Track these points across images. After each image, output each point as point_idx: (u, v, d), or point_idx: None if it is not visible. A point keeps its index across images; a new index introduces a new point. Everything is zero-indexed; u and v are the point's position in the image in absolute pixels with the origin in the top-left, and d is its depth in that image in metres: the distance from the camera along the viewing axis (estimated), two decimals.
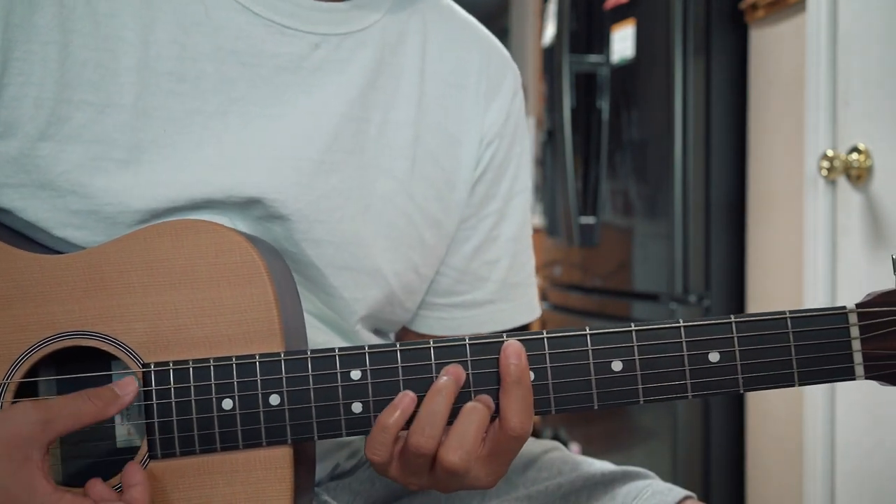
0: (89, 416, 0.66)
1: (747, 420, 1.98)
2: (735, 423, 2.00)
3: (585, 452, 2.29)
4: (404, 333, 0.94)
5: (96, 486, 0.66)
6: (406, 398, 0.68)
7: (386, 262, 0.83)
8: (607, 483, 0.88)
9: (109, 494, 0.65)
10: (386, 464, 0.69)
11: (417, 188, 0.85)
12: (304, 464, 0.71)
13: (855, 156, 1.51)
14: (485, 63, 0.90)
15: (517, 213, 0.93)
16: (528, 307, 0.96)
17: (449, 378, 0.68)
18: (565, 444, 2.42)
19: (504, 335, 0.70)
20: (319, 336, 0.82)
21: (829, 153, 1.53)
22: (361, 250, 0.81)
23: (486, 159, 0.89)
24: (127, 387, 0.67)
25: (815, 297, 1.61)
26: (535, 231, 2.74)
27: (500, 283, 0.93)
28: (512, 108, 0.92)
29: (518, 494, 0.87)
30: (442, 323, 0.93)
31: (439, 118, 0.86)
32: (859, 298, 1.38)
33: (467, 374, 0.70)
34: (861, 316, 0.71)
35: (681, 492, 0.85)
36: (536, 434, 2.70)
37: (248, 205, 0.76)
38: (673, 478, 1.94)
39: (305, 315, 0.78)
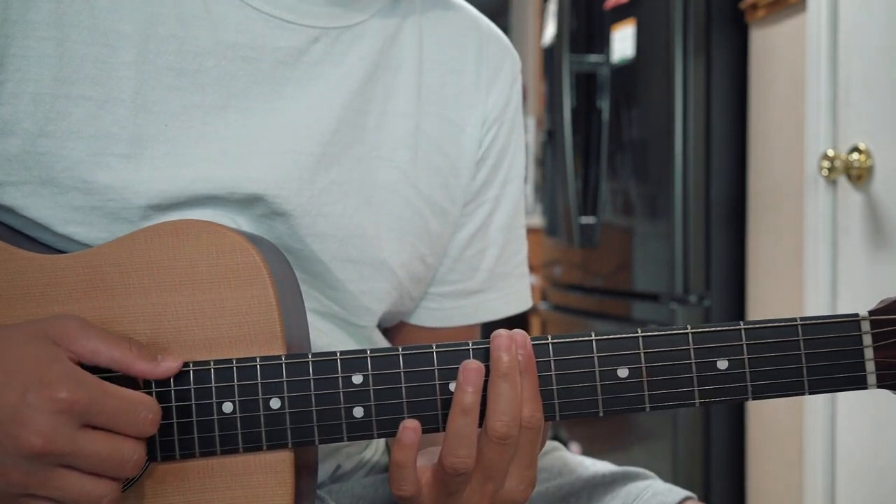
0: (115, 357, 0.64)
1: (748, 420, 1.98)
2: (735, 424, 2.00)
3: (586, 452, 2.29)
4: (399, 325, 0.93)
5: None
6: (408, 431, 0.66)
7: (391, 252, 0.83)
8: (607, 483, 0.88)
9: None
10: (415, 496, 0.68)
11: (422, 177, 0.85)
12: (305, 468, 0.71)
13: (855, 156, 1.51)
14: (483, 50, 0.90)
15: (509, 200, 0.93)
16: (517, 298, 0.95)
17: (471, 393, 0.67)
18: (565, 444, 2.42)
19: None
20: (322, 338, 0.82)
21: (830, 153, 1.53)
22: (366, 242, 0.81)
23: (487, 142, 0.89)
24: (168, 362, 0.66)
25: (815, 297, 1.61)
26: (536, 231, 2.75)
27: (488, 272, 0.92)
28: (511, 94, 0.92)
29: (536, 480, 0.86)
30: (433, 314, 0.92)
31: (440, 106, 0.86)
32: (860, 298, 1.37)
33: None
34: (874, 324, 0.69)
35: (681, 492, 0.85)
36: None
37: (250, 202, 0.76)
38: (673, 478, 1.94)
39: (310, 315, 0.78)
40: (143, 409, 0.64)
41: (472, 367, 0.67)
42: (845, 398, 1.56)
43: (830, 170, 1.52)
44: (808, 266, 1.64)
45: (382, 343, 0.90)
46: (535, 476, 0.70)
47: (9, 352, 0.62)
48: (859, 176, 1.51)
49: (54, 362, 0.62)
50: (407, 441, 0.66)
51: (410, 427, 0.67)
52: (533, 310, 2.88)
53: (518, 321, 0.96)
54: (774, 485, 1.87)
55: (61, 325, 0.64)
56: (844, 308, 1.57)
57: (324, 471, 0.87)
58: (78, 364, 0.64)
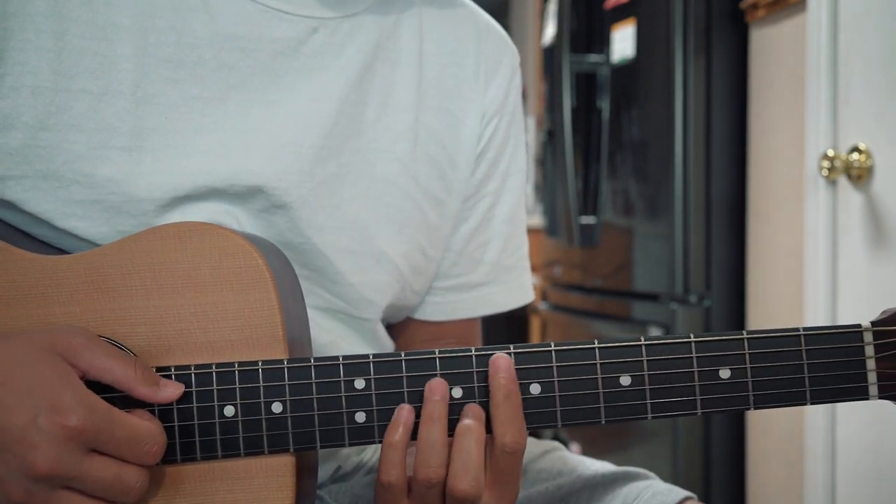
0: (119, 377, 0.65)
1: (748, 420, 1.98)
2: (736, 424, 2.00)
3: (586, 452, 2.29)
4: (404, 320, 0.94)
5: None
6: (404, 412, 0.68)
7: (391, 244, 0.83)
8: (607, 484, 0.88)
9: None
10: (400, 488, 0.68)
11: (421, 169, 0.85)
12: (306, 471, 0.71)
13: (855, 155, 1.51)
14: (482, 42, 0.90)
15: (511, 193, 0.93)
16: (520, 290, 0.96)
17: (438, 401, 0.68)
18: (565, 444, 2.42)
19: (511, 346, 0.70)
20: (325, 336, 0.82)
21: (830, 153, 1.53)
22: (365, 233, 0.82)
23: (487, 136, 0.90)
24: (169, 388, 0.67)
25: (815, 298, 1.61)
26: (536, 231, 2.75)
27: (492, 265, 0.93)
28: (511, 87, 0.92)
29: (518, 495, 0.86)
30: (437, 308, 0.92)
31: (439, 99, 0.86)
32: (860, 298, 1.37)
33: (474, 386, 0.69)
34: (876, 335, 0.69)
35: (681, 492, 0.85)
36: (537, 434, 2.69)
37: (250, 195, 0.76)
38: (673, 478, 1.94)
39: (313, 312, 0.78)
40: (149, 441, 0.64)
41: (438, 388, 0.68)
42: None
43: (830, 170, 1.52)
44: (808, 266, 1.64)
45: (386, 338, 0.90)
46: (516, 496, 0.71)
47: (19, 370, 0.62)
48: (859, 176, 1.51)
49: (66, 386, 0.62)
50: (403, 422, 0.67)
51: (407, 409, 0.68)
52: (533, 310, 2.88)
53: (518, 320, 0.96)
54: (774, 485, 1.87)
55: (68, 338, 0.64)
56: (844, 308, 1.57)
57: (324, 472, 0.87)
58: (82, 378, 0.64)
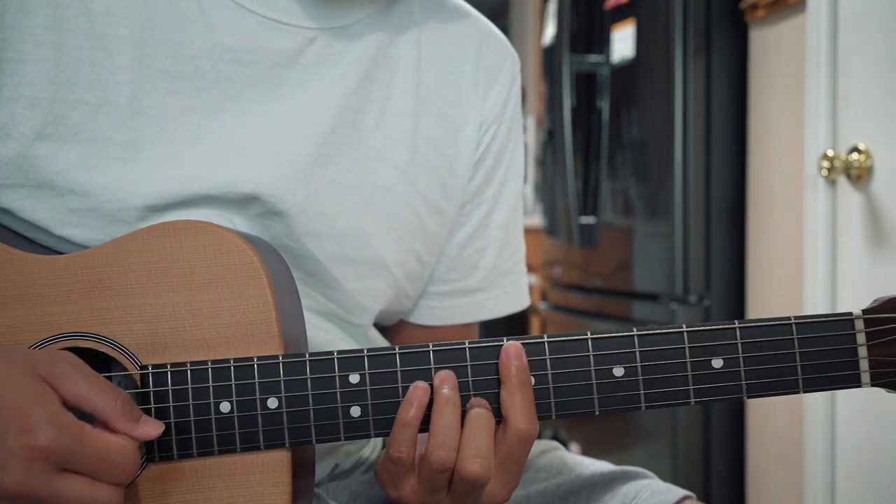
0: (98, 408, 0.63)
1: (748, 420, 1.98)
2: (735, 423, 2.00)
3: (585, 452, 2.29)
4: (399, 324, 0.94)
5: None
6: (419, 390, 0.68)
7: (389, 252, 0.83)
8: (606, 483, 0.88)
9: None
10: (409, 465, 0.68)
11: (420, 176, 0.85)
12: (302, 467, 0.71)
13: (855, 156, 1.51)
14: (482, 49, 0.90)
15: (508, 199, 0.93)
16: (517, 295, 0.96)
17: (450, 388, 0.68)
18: (565, 444, 2.42)
19: (504, 338, 0.70)
20: (321, 336, 0.82)
21: (829, 153, 1.53)
22: (363, 242, 0.82)
23: (486, 143, 0.90)
24: (149, 426, 0.65)
25: (815, 297, 1.61)
26: (536, 231, 2.75)
27: (489, 270, 0.93)
28: (511, 94, 0.92)
29: (517, 494, 0.86)
30: (433, 313, 0.92)
31: (438, 106, 0.86)
32: (860, 298, 1.37)
33: (468, 380, 0.69)
34: (868, 322, 0.70)
35: (680, 491, 0.85)
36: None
37: (246, 201, 0.76)
38: (673, 478, 1.94)
39: (308, 313, 0.78)
40: (121, 459, 0.63)
41: (447, 377, 0.68)
42: (845, 397, 1.56)
43: (830, 170, 1.52)
44: (808, 266, 1.64)
45: (380, 341, 0.90)
46: (518, 482, 0.71)
47: None
48: (859, 176, 1.51)
49: (38, 405, 0.61)
50: (417, 401, 0.67)
51: (422, 388, 0.68)
52: (533, 310, 2.88)
53: (518, 321, 0.96)
54: (774, 485, 1.87)
55: (53, 362, 0.63)
56: (844, 307, 1.57)
57: (322, 469, 0.87)
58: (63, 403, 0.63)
